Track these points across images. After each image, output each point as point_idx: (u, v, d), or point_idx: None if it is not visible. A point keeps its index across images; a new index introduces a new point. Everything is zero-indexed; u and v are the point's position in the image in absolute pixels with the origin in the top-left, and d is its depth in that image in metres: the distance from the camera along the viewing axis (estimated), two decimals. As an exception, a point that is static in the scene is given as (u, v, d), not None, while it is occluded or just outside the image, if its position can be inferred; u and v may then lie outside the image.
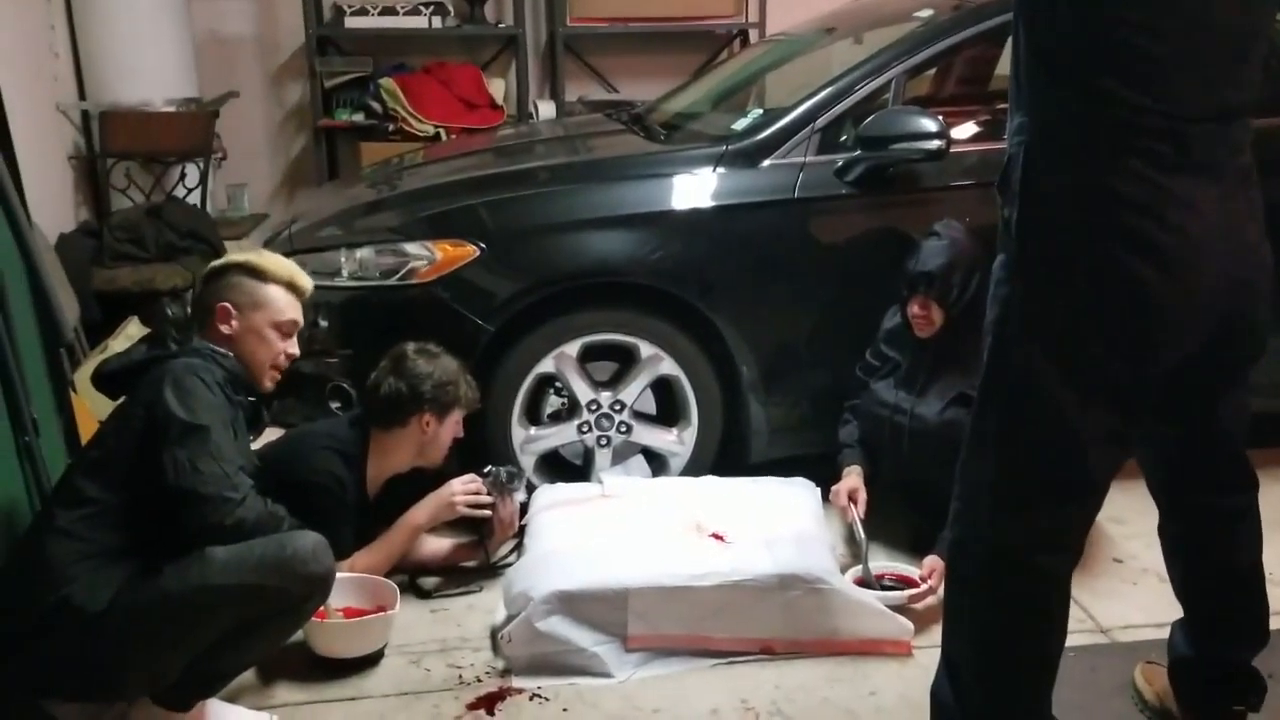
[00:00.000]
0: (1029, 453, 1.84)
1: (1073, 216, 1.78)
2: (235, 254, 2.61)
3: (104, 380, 2.42)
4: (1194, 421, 2.03)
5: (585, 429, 3.33)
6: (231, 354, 2.42)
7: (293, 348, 2.55)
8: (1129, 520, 3.21)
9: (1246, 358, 1.99)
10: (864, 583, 2.84)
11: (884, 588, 2.83)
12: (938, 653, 2.05)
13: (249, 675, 2.52)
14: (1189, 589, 2.21)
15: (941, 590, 2.57)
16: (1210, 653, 2.19)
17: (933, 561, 2.78)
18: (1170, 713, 2.32)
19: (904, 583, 2.86)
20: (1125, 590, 2.94)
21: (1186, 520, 2.16)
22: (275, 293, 2.51)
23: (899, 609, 2.73)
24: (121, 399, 2.40)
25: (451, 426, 2.95)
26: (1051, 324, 1.81)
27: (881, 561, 2.97)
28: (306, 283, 2.58)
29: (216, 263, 2.57)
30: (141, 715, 2.30)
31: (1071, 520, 1.89)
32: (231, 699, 2.44)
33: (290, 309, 2.53)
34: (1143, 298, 1.75)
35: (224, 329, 2.45)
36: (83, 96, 5.28)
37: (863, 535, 2.96)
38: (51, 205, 4.67)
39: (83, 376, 3.38)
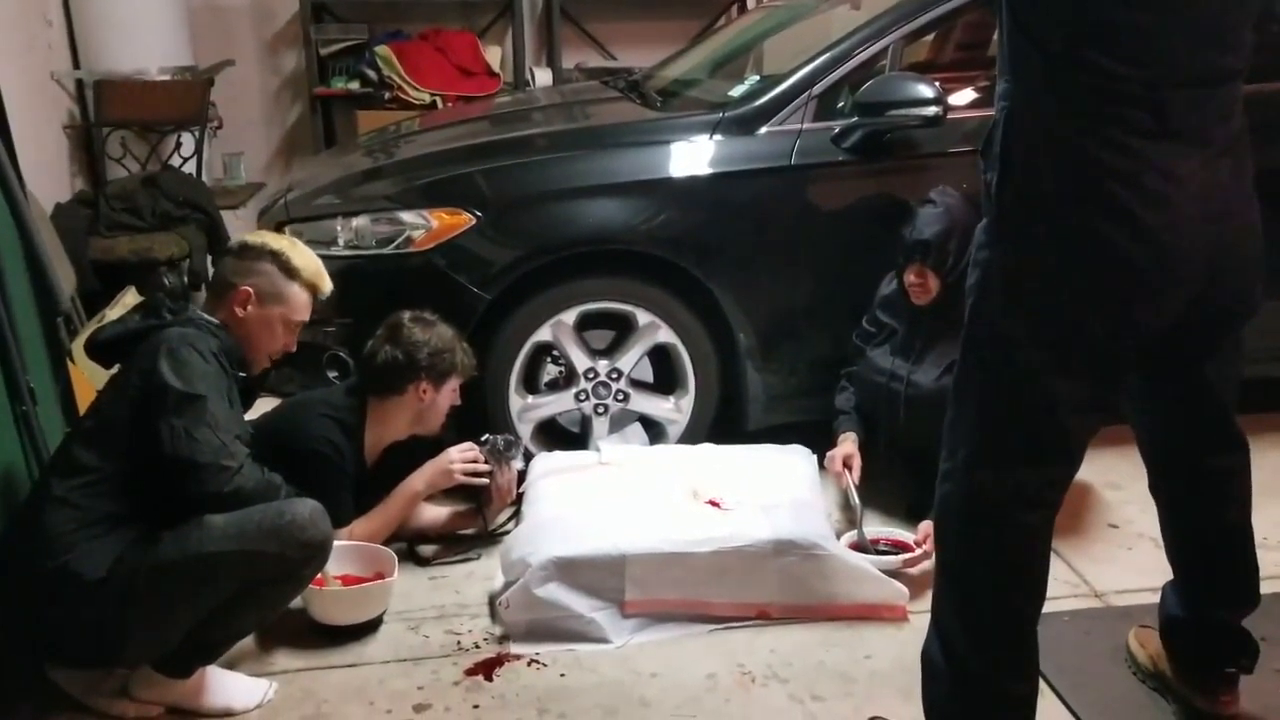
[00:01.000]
0: (1006, 414, 1.86)
1: (1051, 183, 1.78)
2: (271, 237, 2.58)
3: (98, 348, 2.42)
4: (1181, 382, 2.05)
5: (582, 397, 3.33)
6: (228, 328, 2.43)
7: (293, 343, 2.56)
8: (1125, 485, 3.23)
9: (1234, 321, 1.99)
10: (859, 547, 2.86)
11: (879, 552, 2.85)
12: (932, 617, 2.07)
13: (248, 642, 2.54)
14: (1178, 549, 2.23)
15: (936, 555, 2.58)
16: (1200, 613, 2.21)
17: (928, 526, 2.79)
18: (1164, 675, 2.33)
19: (899, 547, 2.88)
20: (1120, 555, 2.96)
21: (1174, 480, 2.18)
22: (298, 292, 2.51)
23: (894, 574, 2.75)
24: (116, 367, 2.40)
25: (448, 395, 2.96)
26: (1028, 289, 1.82)
27: (877, 527, 2.98)
28: (327, 286, 2.57)
29: (252, 239, 2.56)
30: (142, 682, 2.32)
31: (1050, 478, 1.91)
32: (231, 666, 2.46)
33: (306, 310, 2.54)
34: (1119, 266, 1.76)
35: (238, 310, 2.45)
36: (77, 65, 5.25)
37: (858, 501, 2.97)
38: (47, 175, 4.66)
39: (80, 346, 3.38)
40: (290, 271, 2.49)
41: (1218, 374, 2.03)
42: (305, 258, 2.54)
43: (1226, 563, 2.17)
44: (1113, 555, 2.96)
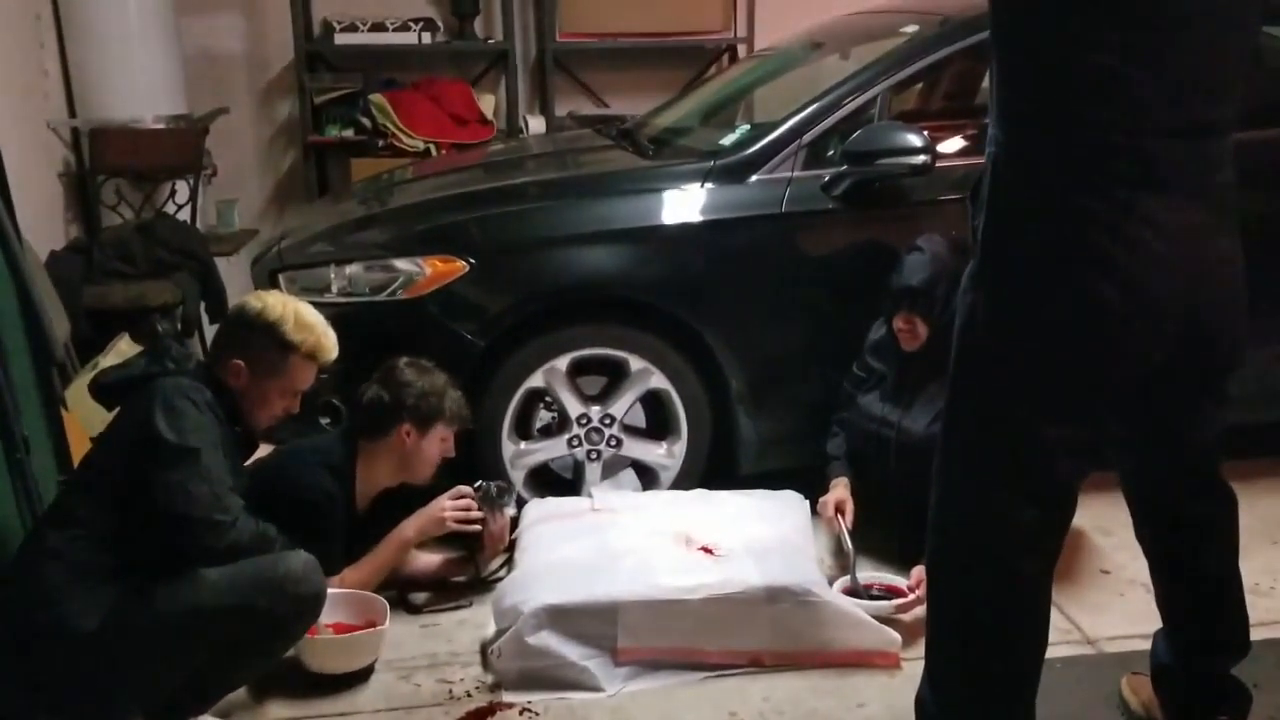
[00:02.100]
0: (993, 458, 1.87)
1: (1034, 230, 1.80)
2: (272, 302, 2.46)
3: (101, 391, 2.42)
4: (1165, 432, 2.05)
5: (575, 443, 3.34)
6: (225, 388, 2.42)
7: (294, 408, 2.53)
8: (1116, 531, 3.23)
9: (1218, 372, 2.00)
10: (852, 592, 2.86)
11: (872, 597, 2.85)
12: (924, 663, 2.07)
13: (240, 692, 2.52)
14: (1167, 597, 2.23)
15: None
16: (1189, 662, 2.20)
17: (920, 572, 2.79)
18: (1156, 722, 2.33)
19: (892, 593, 2.88)
20: (1112, 601, 2.96)
21: (1159, 529, 2.18)
22: (294, 364, 2.46)
23: (887, 620, 2.74)
24: (114, 414, 2.40)
25: (435, 442, 2.94)
26: (1012, 333, 1.83)
27: (869, 572, 2.98)
28: (331, 357, 2.51)
29: (251, 305, 2.47)
30: (133, 734, 2.31)
31: (1042, 524, 1.90)
32: (223, 715, 2.44)
33: (305, 379, 2.49)
34: (1100, 314, 1.77)
35: (231, 381, 2.43)
36: (73, 114, 5.28)
37: (850, 546, 2.98)
38: (42, 223, 4.67)
39: (74, 394, 3.38)
40: (286, 346, 2.43)
41: (1201, 426, 2.04)
42: (304, 329, 2.46)
43: (1215, 612, 2.17)
44: (1105, 601, 2.96)
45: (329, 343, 2.51)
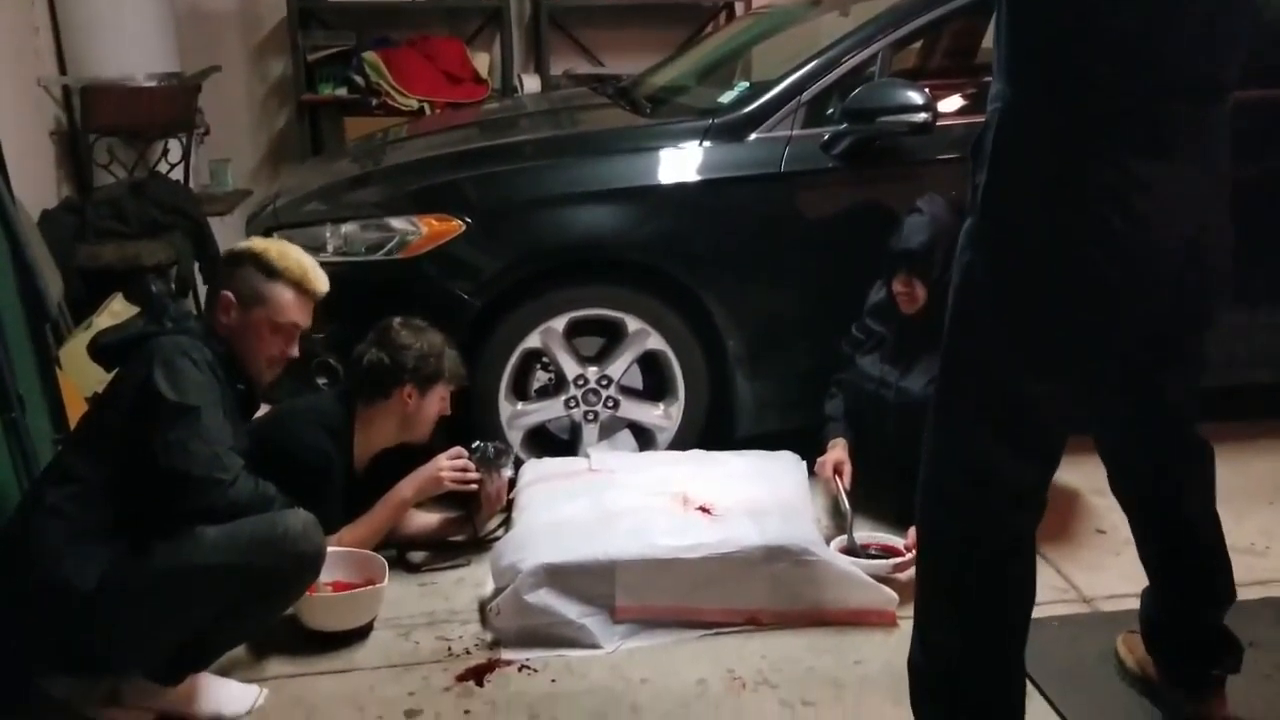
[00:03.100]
0: (984, 414, 1.86)
1: (1035, 190, 1.79)
2: (256, 240, 2.53)
3: (100, 351, 2.41)
4: (1141, 389, 2.06)
5: (572, 404, 3.34)
6: (222, 338, 2.41)
7: (292, 350, 2.51)
8: (1110, 492, 3.23)
9: (1196, 331, 2.02)
10: (850, 551, 2.86)
11: (869, 557, 2.86)
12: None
13: (239, 649, 2.53)
14: (1147, 549, 2.24)
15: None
16: (1177, 615, 2.21)
17: (917, 532, 2.80)
18: (1152, 680, 2.34)
19: (889, 552, 2.89)
20: (1108, 561, 2.97)
21: (1134, 484, 2.20)
22: (280, 291, 2.45)
23: (884, 579, 2.75)
24: (112, 374, 2.39)
25: (435, 402, 2.95)
26: (1008, 294, 1.82)
27: (866, 532, 2.98)
28: (319, 286, 2.51)
29: (238, 245, 2.53)
30: (132, 689, 2.31)
31: (1033, 478, 1.90)
32: (222, 672, 2.45)
33: (293, 311, 2.48)
34: (1096, 279, 1.77)
35: (223, 318, 2.43)
36: (64, 72, 5.23)
37: (848, 506, 2.98)
38: (34, 182, 4.64)
39: (67, 354, 3.37)
40: (270, 271, 2.45)
41: (1176, 382, 2.05)
42: (289, 258, 2.48)
43: (1197, 562, 2.18)
44: (1100, 561, 2.97)
45: (315, 274, 2.52)
